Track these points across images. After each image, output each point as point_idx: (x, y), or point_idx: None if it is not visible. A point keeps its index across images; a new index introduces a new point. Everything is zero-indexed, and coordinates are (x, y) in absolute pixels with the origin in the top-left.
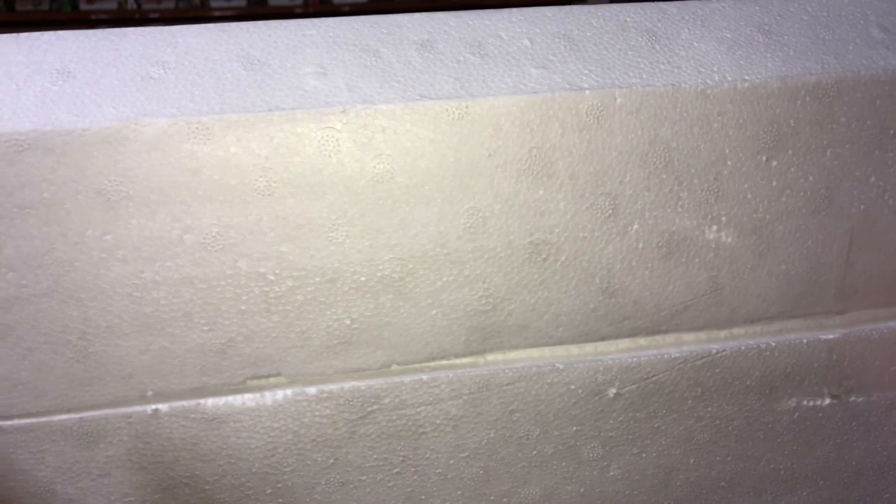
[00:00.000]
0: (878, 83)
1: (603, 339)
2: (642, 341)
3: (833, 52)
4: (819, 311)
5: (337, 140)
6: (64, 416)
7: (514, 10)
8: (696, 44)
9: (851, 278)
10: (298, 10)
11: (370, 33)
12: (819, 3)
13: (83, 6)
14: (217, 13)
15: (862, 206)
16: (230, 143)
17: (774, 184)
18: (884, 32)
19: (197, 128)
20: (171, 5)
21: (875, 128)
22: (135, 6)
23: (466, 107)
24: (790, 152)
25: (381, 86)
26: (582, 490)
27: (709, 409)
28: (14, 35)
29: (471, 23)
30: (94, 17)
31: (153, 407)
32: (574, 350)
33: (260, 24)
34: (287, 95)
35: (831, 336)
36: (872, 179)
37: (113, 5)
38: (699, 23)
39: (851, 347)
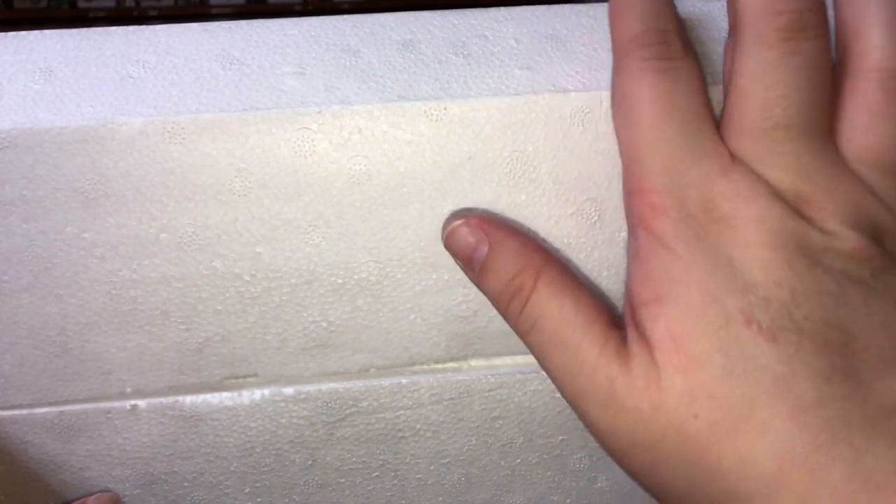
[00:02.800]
0: None
1: None
2: None
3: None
4: None
5: (312, 141)
6: (45, 410)
7: (503, 9)
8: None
9: None
10: (297, 8)
11: (352, 33)
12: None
13: (81, 4)
14: (216, 11)
15: None
16: (205, 144)
17: None
18: None
19: (173, 128)
20: (169, 3)
21: None
22: (133, 3)
23: (445, 108)
24: None
25: (360, 86)
26: (568, 501)
27: None
28: (1, 34)
29: (456, 22)
30: (92, 14)
31: (132, 403)
32: None
33: (243, 23)
34: (263, 96)
35: None
36: None
37: (111, 3)
38: (695, 22)
39: None
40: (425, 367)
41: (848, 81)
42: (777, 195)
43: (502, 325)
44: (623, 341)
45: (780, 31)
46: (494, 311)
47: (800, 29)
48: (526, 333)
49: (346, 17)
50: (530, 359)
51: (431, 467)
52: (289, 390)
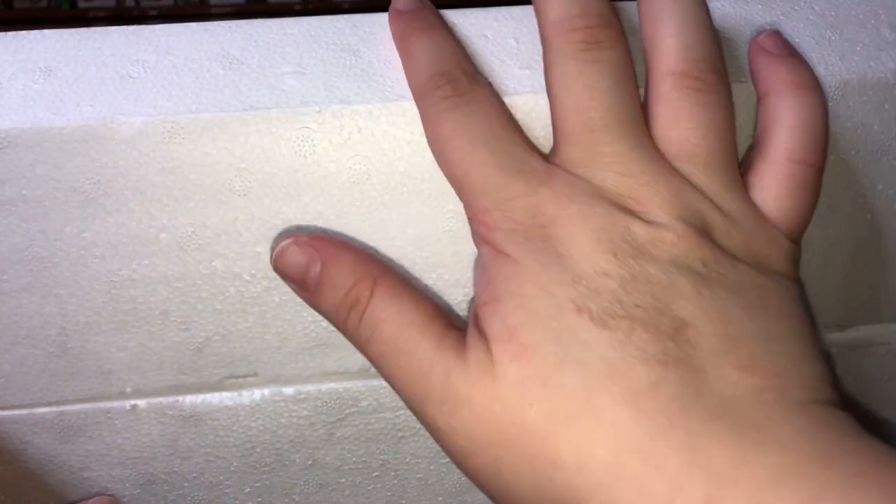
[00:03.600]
0: (886, 86)
1: None
2: None
3: (838, 54)
4: (822, 324)
5: (312, 140)
6: (45, 409)
7: (502, 8)
8: None
9: (857, 290)
10: (297, 7)
11: (352, 32)
12: (827, 3)
13: (81, 3)
14: (215, 10)
15: (868, 216)
16: (205, 143)
17: None
18: None
19: (172, 127)
20: (169, 2)
21: (882, 133)
22: (133, 3)
23: None
24: None
25: (359, 86)
26: None
27: None
28: (1, 34)
29: (457, 22)
30: (91, 14)
31: (131, 403)
32: None
33: (242, 22)
34: (263, 95)
35: (835, 350)
36: (880, 187)
37: (111, 2)
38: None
39: (856, 362)
40: None
41: (651, 86)
42: (600, 194)
43: None
44: (462, 339)
45: (577, 45)
46: None
47: (595, 41)
48: (365, 344)
49: (345, 16)
50: None
51: (432, 467)
52: (289, 390)
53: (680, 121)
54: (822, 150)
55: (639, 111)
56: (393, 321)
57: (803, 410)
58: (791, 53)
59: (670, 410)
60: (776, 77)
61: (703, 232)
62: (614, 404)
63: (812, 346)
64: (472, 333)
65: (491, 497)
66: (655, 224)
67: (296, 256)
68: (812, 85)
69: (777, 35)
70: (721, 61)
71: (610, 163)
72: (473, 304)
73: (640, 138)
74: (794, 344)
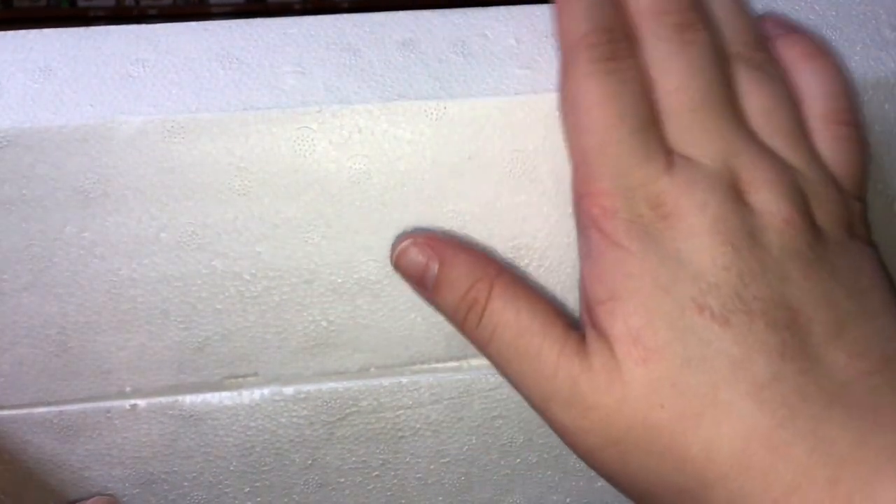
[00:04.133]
0: (886, 86)
1: None
2: None
3: (839, 54)
4: None
5: (312, 140)
6: (45, 409)
7: (503, 8)
8: None
9: None
10: (297, 6)
11: (352, 32)
12: (827, 2)
13: (81, 2)
14: (215, 9)
15: (869, 215)
16: (205, 143)
17: None
18: None
19: (172, 127)
20: (169, 1)
21: (883, 133)
22: (133, 2)
23: (445, 107)
24: None
25: (359, 85)
26: (568, 500)
27: None
28: (1, 33)
29: (457, 21)
30: (91, 13)
31: (131, 402)
32: None
33: (242, 22)
34: (263, 95)
35: None
36: (880, 187)
37: (111, 1)
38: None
39: None
40: (425, 366)
41: (730, 66)
42: (713, 179)
43: None
44: (582, 341)
45: (673, 27)
46: None
47: (688, 24)
48: (485, 344)
49: (345, 15)
50: None
51: (431, 467)
52: (289, 390)
53: (753, 94)
54: (854, 108)
55: (731, 90)
56: (512, 324)
57: None
58: (793, 29)
59: (792, 400)
60: (787, 54)
61: (803, 210)
62: (739, 399)
63: None
64: (591, 334)
65: (611, 483)
66: (765, 207)
67: (414, 256)
68: (822, 52)
69: (777, 17)
70: (765, 40)
71: (715, 142)
72: (584, 295)
73: (738, 116)
74: (889, 322)
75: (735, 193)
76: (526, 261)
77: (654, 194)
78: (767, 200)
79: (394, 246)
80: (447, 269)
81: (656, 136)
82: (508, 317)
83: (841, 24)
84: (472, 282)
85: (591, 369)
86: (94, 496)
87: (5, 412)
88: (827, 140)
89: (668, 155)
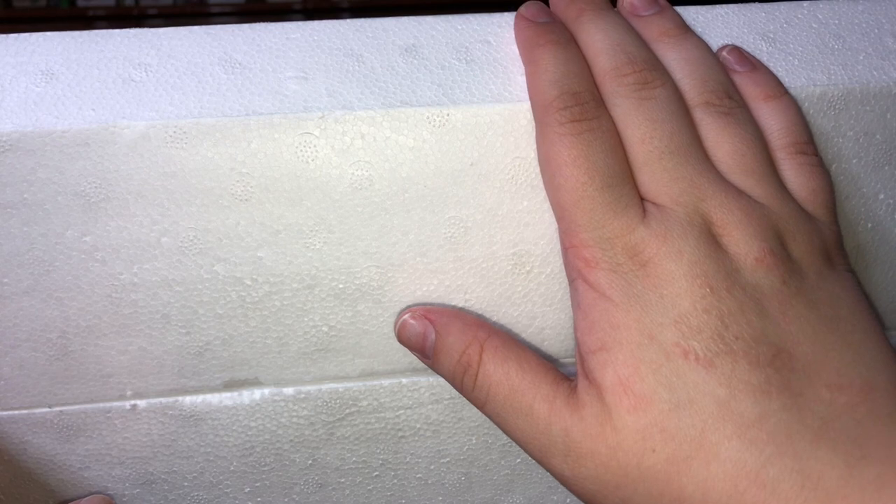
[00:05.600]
0: (888, 95)
1: None
2: None
3: (841, 63)
4: None
5: (315, 146)
6: (45, 410)
7: (506, 14)
8: None
9: None
10: (297, 7)
11: (355, 37)
12: (830, 11)
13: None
14: (215, 9)
15: (870, 224)
16: (207, 148)
17: None
18: None
19: (174, 131)
20: (168, 2)
21: (885, 142)
22: (133, 2)
23: (448, 114)
24: None
25: (362, 91)
26: (568, 500)
27: None
28: (3, 36)
29: (459, 27)
30: (91, 13)
31: (131, 403)
32: (560, 362)
33: (245, 26)
34: (266, 100)
35: None
36: (881, 196)
37: (110, 2)
38: (699, 29)
39: None
40: (425, 372)
41: (696, 114)
42: (686, 225)
43: (504, 331)
44: (572, 392)
45: (631, 86)
46: (495, 317)
47: (644, 82)
48: (482, 405)
49: (348, 21)
50: None
51: (431, 467)
52: (289, 390)
53: (723, 139)
54: (812, 141)
55: (697, 137)
56: (503, 383)
57: (892, 422)
58: (754, 68)
59: (778, 438)
60: (749, 92)
61: (777, 246)
62: (727, 440)
63: (882, 342)
64: (583, 383)
65: None
66: (738, 248)
67: (413, 327)
68: (780, 92)
69: (737, 50)
70: (731, 84)
71: (685, 188)
72: (578, 344)
73: (704, 161)
74: (870, 349)
75: (708, 236)
76: (528, 267)
77: (631, 244)
78: (740, 241)
79: (395, 320)
80: (442, 337)
81: (629, 188)
82: (500, 377)
83: (844, 33)
84: (465, 347)
85: (582, 420)
86: (91, 495)
87: (5, 413)
88: (793, 169)
89: (641, 205)
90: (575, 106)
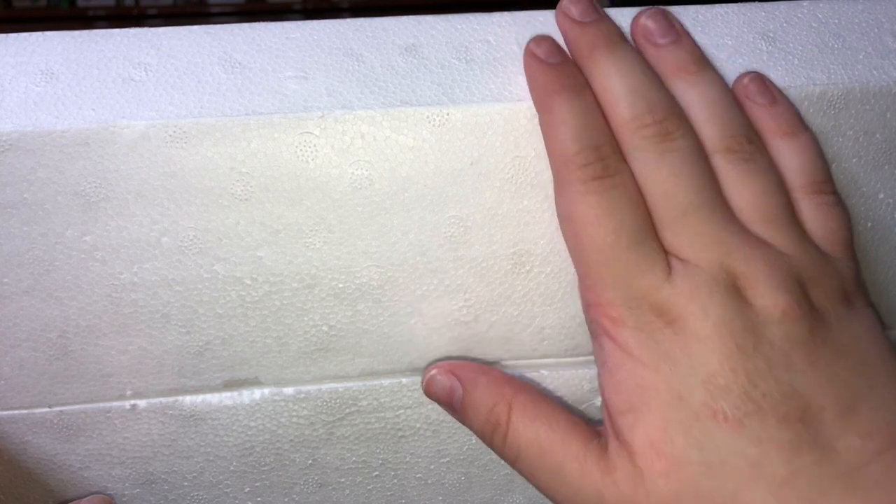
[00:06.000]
0: (888, 95)
1: (590, 353)
2: None
3: (841, 62)
4: None
5: (315, 145)
6: (45, 410)
7: (506, 13)
8: None
9: None
10: (297, 7)
11: (355, 37)
12: (830, 10)
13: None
14: (215, 9)
15: (870, 224)
16: (207, 147)
17: None
18: None
19: (174, 131)
20: (168, 2)
21: (885, 141)
22: (132, 2)
23: (448, 113)
24: None
25: (362, 91)
26: None
27: None
28: (3, 35)
29: (459, 27)
30: (91, 13)
31: (131, 402)
32: (560, 362)
33: (245, 26)
34: (266, 100)
35: None
36: (881, 196)
37: (110, 1)
38: (699, 28)
39: None
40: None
41: (716, 161)
42: (712, 282)
43: (502, 331)
44: (602, 450)
45: (652, 138)
46: (495, 317)
47: (666, 133)
48: (514, 462)
49: (348, 20)
50: (530, 361)
51: (431, 466)
52: (289, 390)
53: (745, 188)
54: (830, 179)
55: (718, 188)
56: (533, 443)
57: None
58: (774, 101)
59: (811, 495)
60: (768, 126)
61: (801, 296)
62: (761, 500)
63: None
64: (613, 443)
65: None
66: (763, 302)
67: (440, 382)
68: (800, 129)
69: (759, 80)
70: (751, 127)
71: (709, 243)
72: (605, 404)
73: (726, 213)
74: (893, 389)
75: (734, 292)
76: (528, 266)
77: (658, 303)
78: (765, 294)
79: (423, 375)
80: (469, 393)
81: (654, 244)
82: (529, 437)
83: (843, 32)
84: (492, 404)
85: (615, 483)
86: (90, 495)
87: (5, 413)
88: (811, 210)
89: (667, 261)
90: (597, 162)
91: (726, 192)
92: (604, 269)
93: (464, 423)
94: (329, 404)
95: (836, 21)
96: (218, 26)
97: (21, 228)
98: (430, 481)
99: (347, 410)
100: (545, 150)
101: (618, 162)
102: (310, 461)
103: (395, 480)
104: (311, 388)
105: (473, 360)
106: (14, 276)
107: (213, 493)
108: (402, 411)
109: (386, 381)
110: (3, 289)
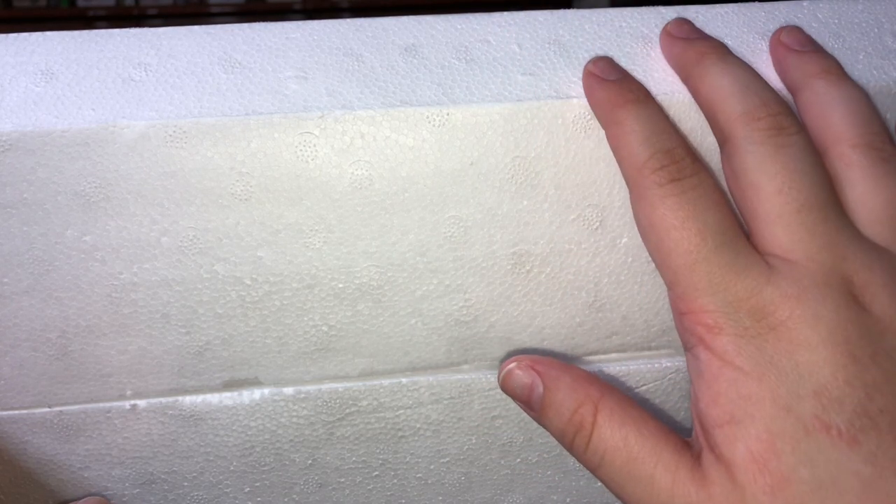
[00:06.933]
0: (888, 95)
1: (590, 354)
2: (631, 357)
3: (842, 62)
4: None
5: (315, 145)
6: (45, 410)
7: (506, 13)
8: None
9: None
10: (297, 7)
11: (355, 37)
12: (830, 10)
13: (81, 3)
14: (215, 9)
15: None
16: (207, 147)
17: None
18: None
19: (174, 131)
20: (168, 2)
21: None
22: (133, 2)
23: (448, 114)
24: None
25: (362, 91)
26: (568, 500)
27: None
28: (3, 35)
29: (459, 27)
30: (91, 13)
31: (131, 402)
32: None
33: (245, 26)
34: (265, 100)
35: None
36: None
37: (111, 2)
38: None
39: None
40: (425, 370)
41: (835, 158)
42: (824, 285)
43: (502, 331)
44: (695, 463)
45: (765, 132)
46: (495, 317)
47: (780, 128)
48: (595, 468)
49: (348, 20)
50: None
51: (431, 466)
52: (288, 390)
53: (880, 188)
54: (885, 131)
55: (834, 190)
56: (620, 449)
57: None
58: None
59: None
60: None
61: None
62: None
63: None
64: (709, 458)
65: None
66: (883, 311)
67: (519, 378)
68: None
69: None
70: (883, 131)
71: (824, 244)
72: (700, 416)
73: (843, 216)
74: None
75: (849, 298)
76: (527, 266)
77: (759, 306)
78: (885, 302)
79: (500, 367)
80: (551, 392)
81: (745, 245)
82: (617, 442)
83: (843, 32)
84: (576, 405)
85: (710, 498)
86: (86, 497)
87: (4, 413)
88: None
89: (764, 261)
90: (671, 164)
91: (848, 192)
92: (694, 275)
93: (540, 423)
94: (329, 404)
95: (836, 21)
96: (218, 26)
97: (21, 228)
98: (430, 481)
99: (347, 410)
100: (545, 150)
101: (693, 163)
102: (310, 461)
103: (395, 480)
104: (311, 388)
105: (474, 360)
106: (14, 276)
107: (213, 493)
108: (402, 411)
109: (386, 381)
110: (3, 289)
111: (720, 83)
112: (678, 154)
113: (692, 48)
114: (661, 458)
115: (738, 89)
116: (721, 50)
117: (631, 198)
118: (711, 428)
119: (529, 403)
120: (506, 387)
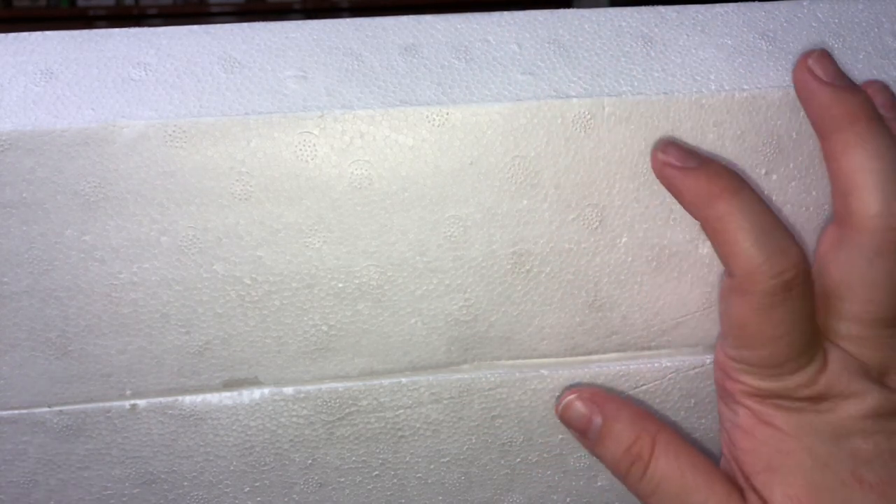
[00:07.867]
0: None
1: (589, 353)
2: (631, 356)
3: (841, 61)
4: None
5: (314, 145)
6: (45, 409)
7: (506, 13)
8: (693, 50)
9: None
10: (297, 6)
11: (354, 36)
12: (830, 10)
13: (81, 2)
14: (215, 9)
15: None
16: (206, 147)
17: (774, 198)
18: None
19: (174, 131)
20: (168, 2)
21: None
22: (133, 2)
23: (447, 113)
24: (791, 166)
25: (362, 90)
26: (568, 500)
27: (702, 420)
28: (3, 35)
29: (459, 26)
30: (91, 13)
31: (131, 402)
32: (560, 362)
33: (244, 26)
34: (265, 99)
35: None
36: None
37: (111, 1)
38: (699, 28)
39: None
40: (425, 370)
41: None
42: (868, 374)
43: (502, 330)
44: (741, 498)
45: (892, 244)
46: (495, 316)
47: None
48: (647, 496)
49: (348, 20)
50: (529, 360)
51: (431, 466)
52: (288, 390)
53: None
54: None
55: None
56: (676, 480)
57: None
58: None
59: None
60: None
61: None
62: None
63: None
64: (753, 498)
65: None
66: None
67: (579, 409)
68: (875, 116)
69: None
70: None
71: (880, 345)
72: (738, 461)
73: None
74: None
75: (880, 380)
76: (527, 266)
77: (812, 394)
78: None
79: (559, 397)
80: (610, 423)
81: (819, 344)
82: (672, 473)
83: (843, 32)
84: (635, 437)
85: None
86: None
87: (4, 412)
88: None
89: (826, 354)
90: (789, 270)
91: None
92: (763, 367)
93: (593, 452)
94: (329, 404)
95: (836, 21)
96: (218, 26)
97: (20, 228)
98: (430, 481)
99: (347, 410)
100: (545, 150)
101: (804, 262)
102: (310, 461)
103: (395, 480)
104: (311, 387)
105: (474, 359)
106: (13, 276)
107: (212, 492)
108: (402, 411)
109: (386, 381)
110: (3, 289)
111: (869, 167)
112: (793, 257)
113: (841, 104)
114: (714, 489)
115: (878, 182)
116: (873, 114)
117: (728, 287)
118: (751, 474)
119: (586, 433)
120: (564, 416)
